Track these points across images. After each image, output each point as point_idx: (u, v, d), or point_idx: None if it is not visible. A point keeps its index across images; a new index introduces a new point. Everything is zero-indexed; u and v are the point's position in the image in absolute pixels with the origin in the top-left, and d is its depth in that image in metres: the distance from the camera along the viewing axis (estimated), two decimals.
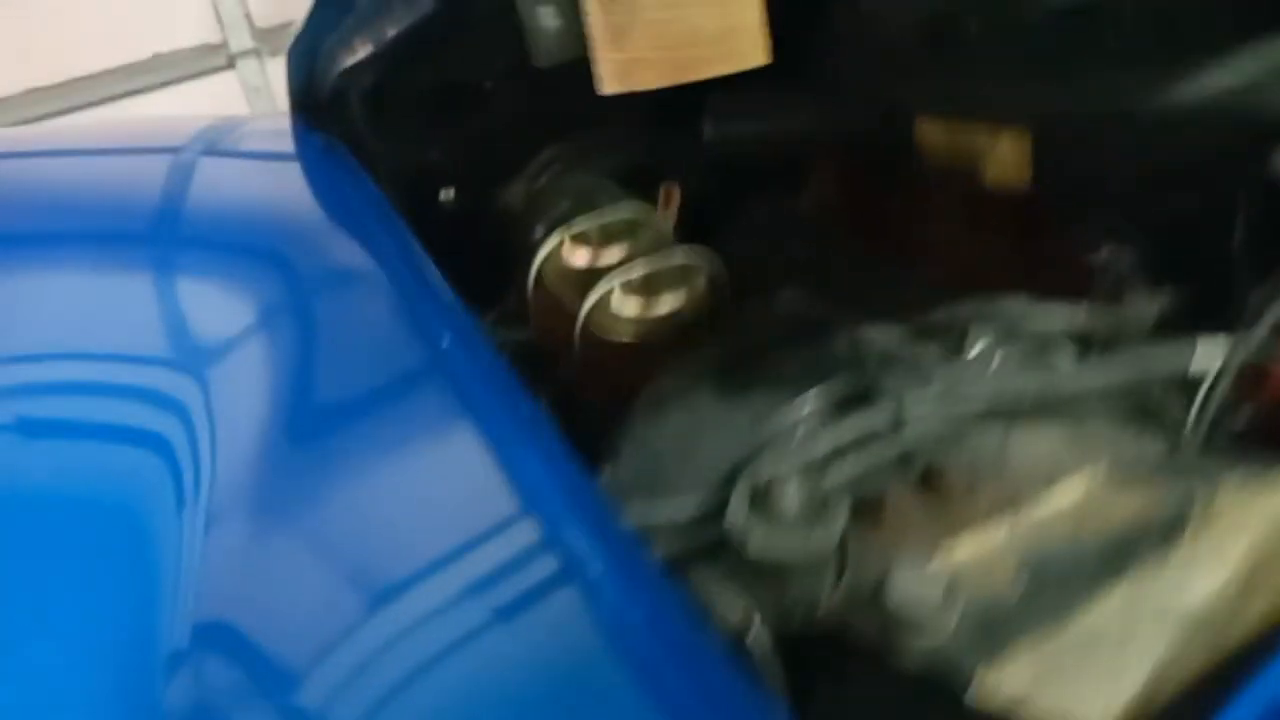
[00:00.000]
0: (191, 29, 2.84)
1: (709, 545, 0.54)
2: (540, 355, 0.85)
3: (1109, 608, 0.44)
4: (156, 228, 0.81)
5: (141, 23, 2.77)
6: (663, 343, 0.77)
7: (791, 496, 0.49)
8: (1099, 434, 0.60)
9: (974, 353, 0.63)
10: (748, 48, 0.45)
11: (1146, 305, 0.79)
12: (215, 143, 0.92)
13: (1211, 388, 0.66)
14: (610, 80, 0.45)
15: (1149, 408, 0.63)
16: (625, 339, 0.79)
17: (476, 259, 0.96)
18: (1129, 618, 0.43)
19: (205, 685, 0.43)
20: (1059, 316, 0.72)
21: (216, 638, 0.44)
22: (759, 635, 0.47)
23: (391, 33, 0.86)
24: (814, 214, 1.07)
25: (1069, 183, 0.89)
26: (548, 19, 0.56)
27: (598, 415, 0.74)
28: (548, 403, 0.82)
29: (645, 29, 0.42)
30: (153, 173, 0.87)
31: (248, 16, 2.87)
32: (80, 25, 2.68)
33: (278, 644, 0.46)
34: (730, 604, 0.49)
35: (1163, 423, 0.64)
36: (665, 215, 0.95)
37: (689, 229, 0.93)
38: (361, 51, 0.89)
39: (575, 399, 0.80)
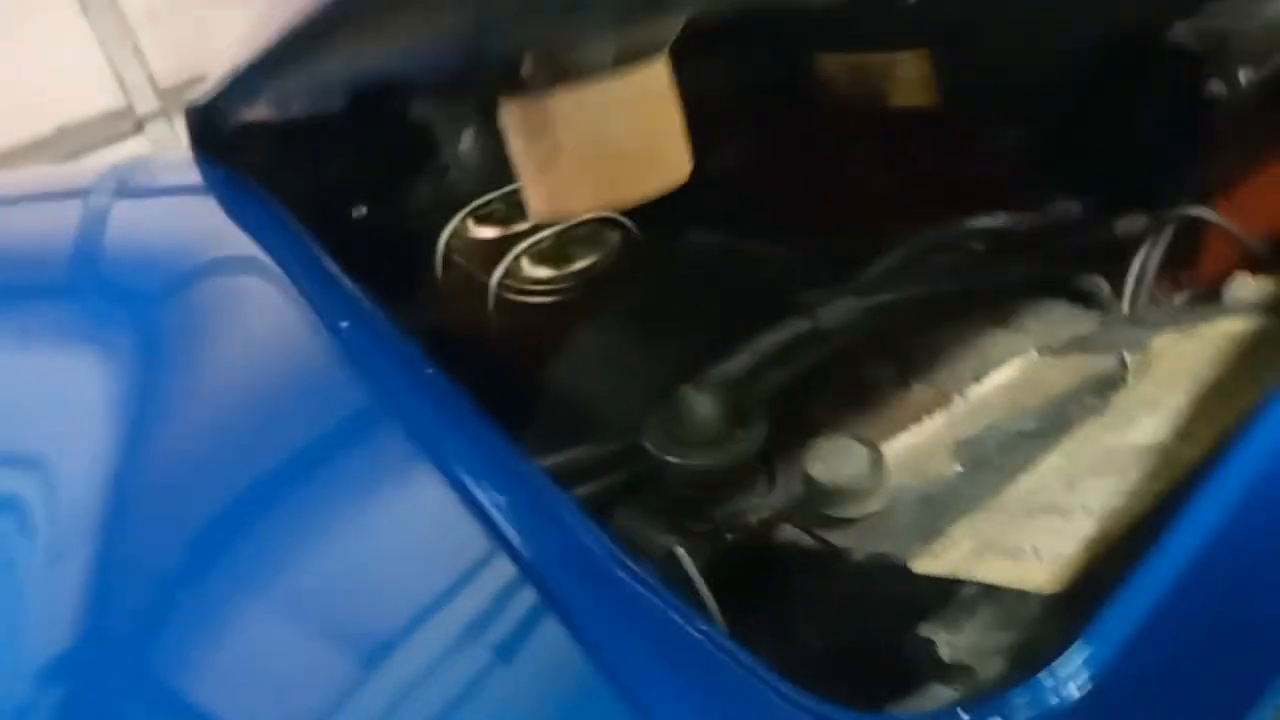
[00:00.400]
0: (95, 97, 2.78)
1: (634, 481, 0.50)
2: (455, 336, 0.82)
3: (1050, 467, 0.41)
4: (73, 270, 0.79)
5: (44, 96, 2.71)
6: (580, 300, 0.74)
7: (706, 409, 0.45)
8: (1028, 320, 0.58)
9: (888, 263, 0.61)
10: (673, 161, 0.44)
11: (1065, 203, 0.77)
12: (123, 182, 0.90)
13: (1138, 258, 0.65)
14: (539, 207, 0.44)
15: (1078, 289, 0.61)
16: (541, 300, 0.76)
17: (397, 266, 0.93)
18: (1071, 472, 0.40)
19: None
20: (980, 224, 0.70)
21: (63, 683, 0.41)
22: (684, 559, 0.43)
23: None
24: (728, 172, 1.05)
25: (976, 92, 0.88)
26: (469, 149, 0.55)
27: (521, 382, 0.70)
28: (466, 381, 0.79)
29: (569, 156, 0.41)
30: (65, 216, 0.86)
31: (150, 78, 2.82)
32: None
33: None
34: (651, 534, 0.46)
35: (1095, 301, 0.62)
36: None
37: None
38: (263, 103, 0.87)
39: (496, 372, 0.76)
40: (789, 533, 0.43)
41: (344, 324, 0.62)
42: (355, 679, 0.39)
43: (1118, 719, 0.27)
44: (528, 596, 0.37)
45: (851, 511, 0.40)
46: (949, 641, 0.32)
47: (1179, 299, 0.69)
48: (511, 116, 0.41)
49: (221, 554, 0.47)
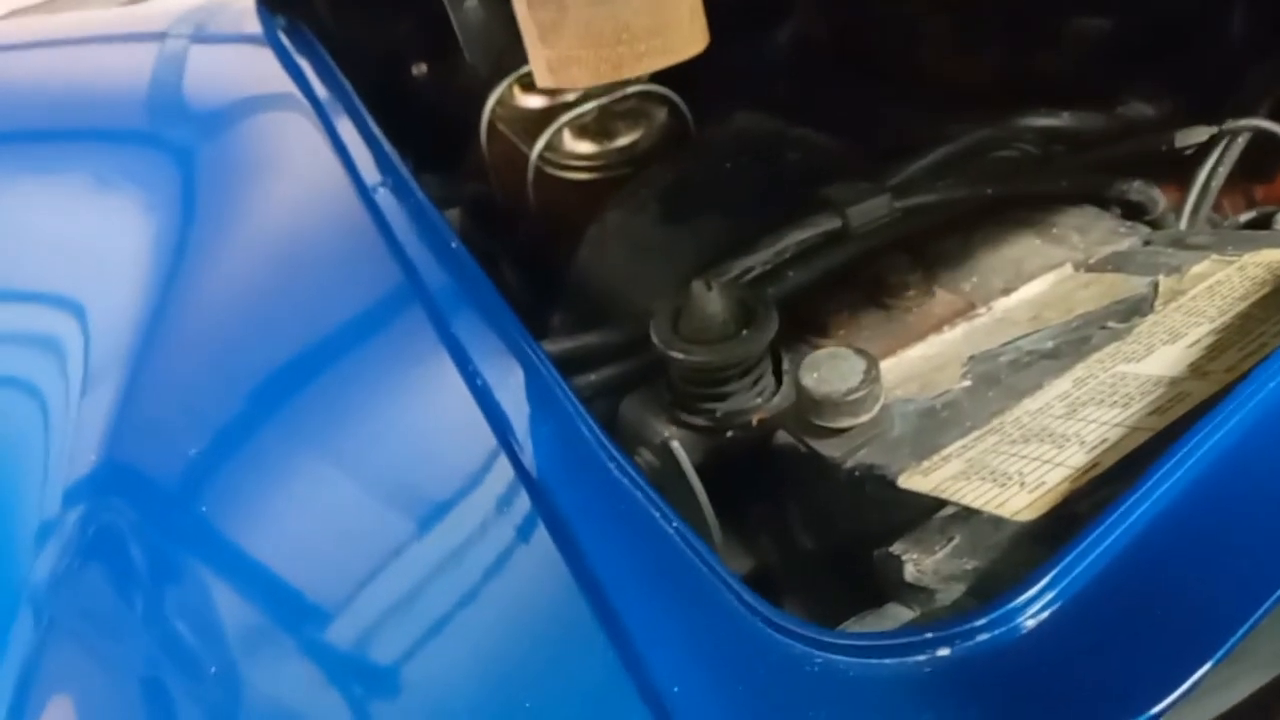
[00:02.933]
0: None
1: (645, 370, 0.50)
2: (498, 205, 0.82)
3: (1056, 391, 0.40)
4: (123, 114, 0.81)
5: None
6: (621, 179, 0.72)
7: (713, 303, 0.45)
8: (1071, 231, 0.55)
9: (931, 160, 0.58)
10: (681, 40, 0.42)
11: (1140, 105, 0.73)
12: (196, 26, 0.91)
13: (1202, 171, 0.61)
14: (543, 76, 0.42)
15: (1130, 201, 0.58)
16: (580, 176, 0.75)
17: (449, 129, 0.92)
18: (1076, 398, 0.39)
19: (74, 551, 0.42)
20: (1035, 122, 0.66)
21: (87, 500, 0.44)
22: (677, 451, 0.44)
23: None
24: (795, 49, 1.00)
25: None
26: (474, 13, 0.53)
27: (553, 260, 0.70)
28: (508, 250, 0.79)
29: (574, 26, 0.39)
30: (132, 59, 0.88)
31: None
32: None
33: (150, 502, 0.45)
34: (652, 424, 0.46)
35: (1148, 215, 0.59)
36: None
37: (665, 74, 0.88)
38: None
39: (529, 247, 0.76)
40: (784, 437, 0.42)
41: (378, 188, 0.62)
42: (352, 544, 0.41)
43: (1074, 655, 0.27)
44: (510, 481, 0.37)
45: (842, 422, 0.39)
46: (916, 561, 0.32)
47: (1241, 219, 0.66)
48: None
49: (233, 400, 0.49)
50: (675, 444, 0.43)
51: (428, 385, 0.46)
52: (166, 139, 0.75)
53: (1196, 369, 0.38)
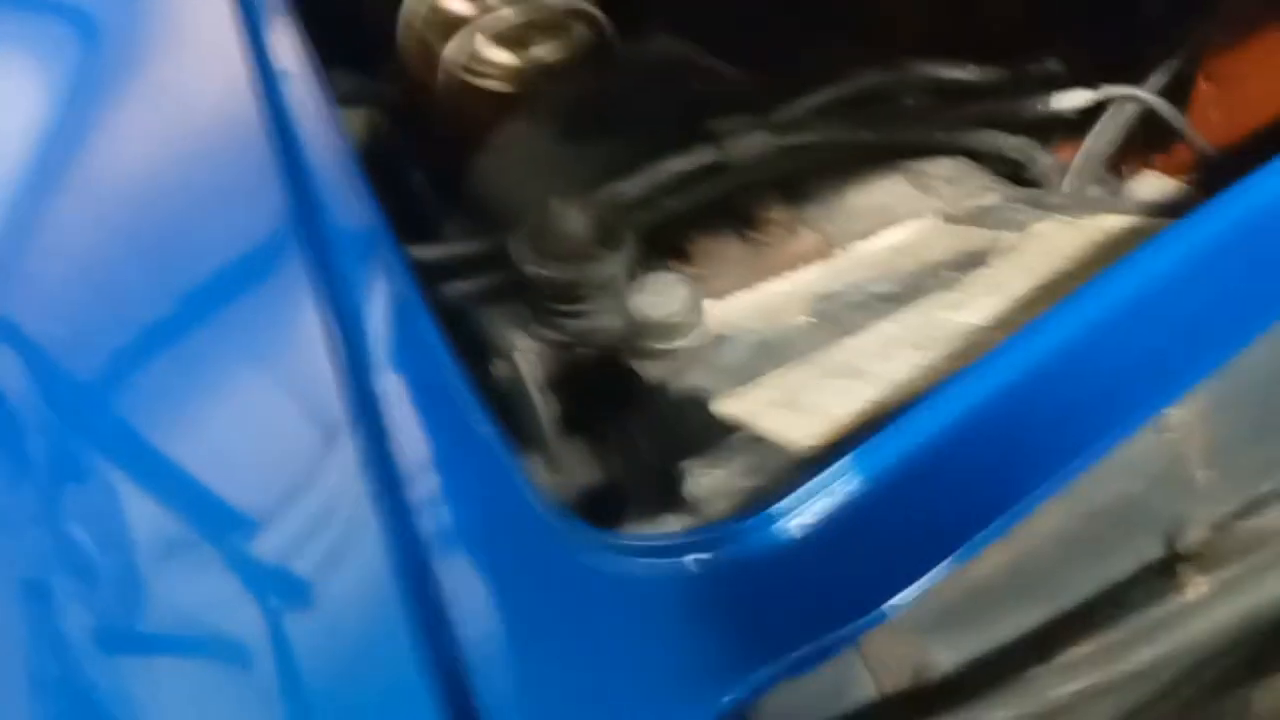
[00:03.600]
0: None
1: (509, 284, 0.52)
2: (416, 107, 0.82)
3: (879, 333, 0.42)
4: None
5: None
6: (529, 92, 0.72)
7: (573, 223, 0.46)
8: (943, 182, 0.57)
9: (817, 101, 0.59)
10: None
11: (1054, 66, 0.74)
12: None
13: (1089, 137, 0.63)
14: None
15: (1007, 158, 0.60)
16: (491, 85, 0.75)
17: (374, 27, 0.91)
18: (895, 340, 0.41)
19: None
20: (937, 71, 0.67)
21: None
22: (527, 366, 0.45)
23: None
24: None
25: None
26: None
27: (453, 169, 0.71)
28: (422, 155, 0.80)
29: None
30: None
31: None
32: None
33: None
34: (503, 337, 0.48)
35: (1027, 174, 0.61)
36: None
37: None
38: None
39: (444, 148, 0.76)
40: (628, 360, 0.44)
41: (281, 76, 0.62)
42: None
43: (818, 562, 0.29)
44: (342, 372, 0.39)
45: (664, 344, 0.41)
46: (698, 478, 0.35)
47: (1125, 185, 0.68)
48: None
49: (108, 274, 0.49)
50: (518, 354, 0.45)
51: (287, 281, 0.47)
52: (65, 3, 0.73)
53: (1004, 320, 0.40)
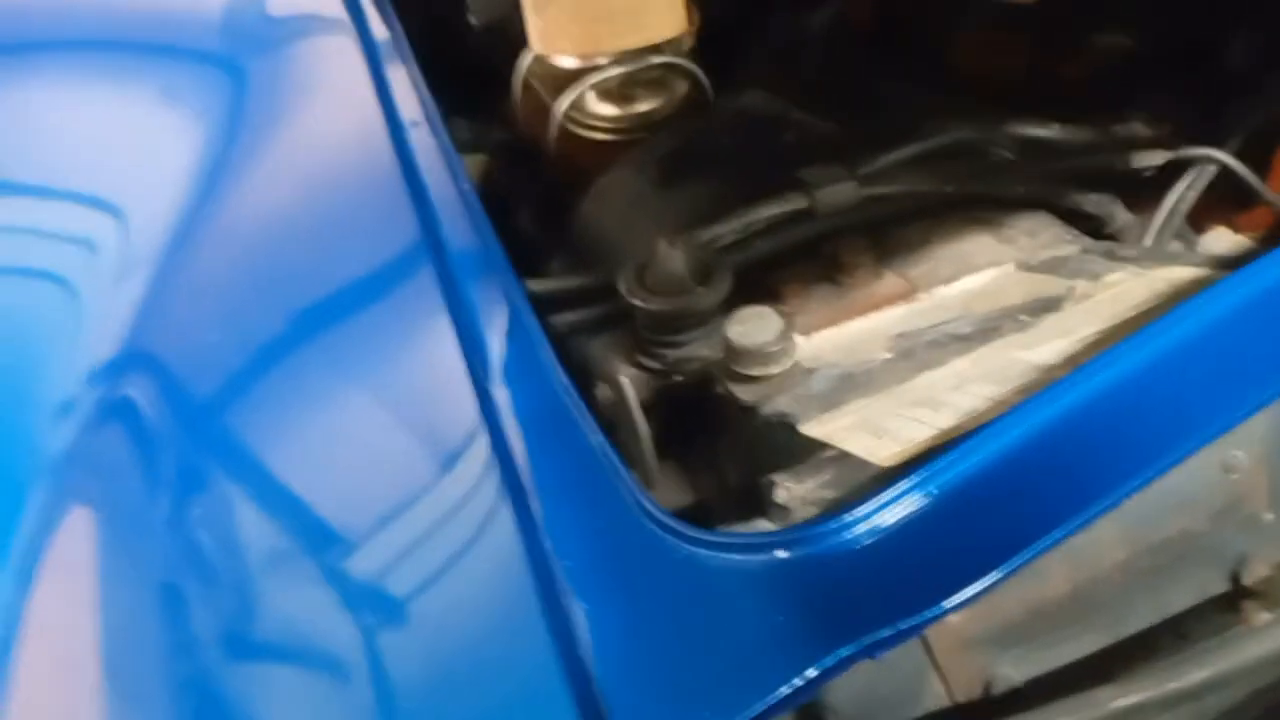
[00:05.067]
0: None
1: (613, 316, 0.57)
2: (523, 154, 0.88)
3: (955, 368, 0.46)
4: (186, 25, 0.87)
5: None
6: (634, 141, 0.78)
7: (675, 262, 0.51)
8: (1023, 234, 0.60)
9: (901, 155, 0.63)
10: (657, 24, 0.48)
11: (1139, 124, 0.77)
12: None
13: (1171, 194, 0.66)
14: (535, 43, 0.49)
15: (1085, 212, 0.63)
16: (598, 136, 0.80)
17: (491, 80, 0.98)
18: (968, 375, 0.45)
19: (94, 427, 0.48)
20: (1022, 129, 0.71)
21: (112, 383, 0.50)
22: (629, 391, 0.50)
23: None
24: (833, 31, 1.05)
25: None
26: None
27: (563, 211, 0.77)
28: (527, 196, 0.86)
29: (562, 2, 0.45)
30: None
31: None
32: None
33: (175, 388, 0.52)
34: (605, 366, 0.52)
35: (1106, 229, 0.64)
36: (683, 36, 0.95)
37: (710, 49, 0.93)
38: None
39: (553, 193, 0.82)
40: (717, 383, 0.49)
41: (410, 124, 0.69)
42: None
43: (887, 564, 0.33)
44: (468, 395, 0.44)
45: (757, 371, 0.46)
46: (788, 488, 0.39)
47: (1200, 241, 0.70)
48: None
49: (252, 307, 0.55)
50: (624, 380, 0.50)
51: (418, 309, 0.52)
52: (218, 55, 0.81)
53: (1071, 359, 0.43)
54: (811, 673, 0.30)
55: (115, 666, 0.39)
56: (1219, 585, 0.47)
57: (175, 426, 0.52)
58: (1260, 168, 0.73)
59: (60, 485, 0.48)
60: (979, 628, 0.44)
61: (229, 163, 0.68)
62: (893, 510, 0.33)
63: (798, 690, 0.30)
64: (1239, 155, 0.70)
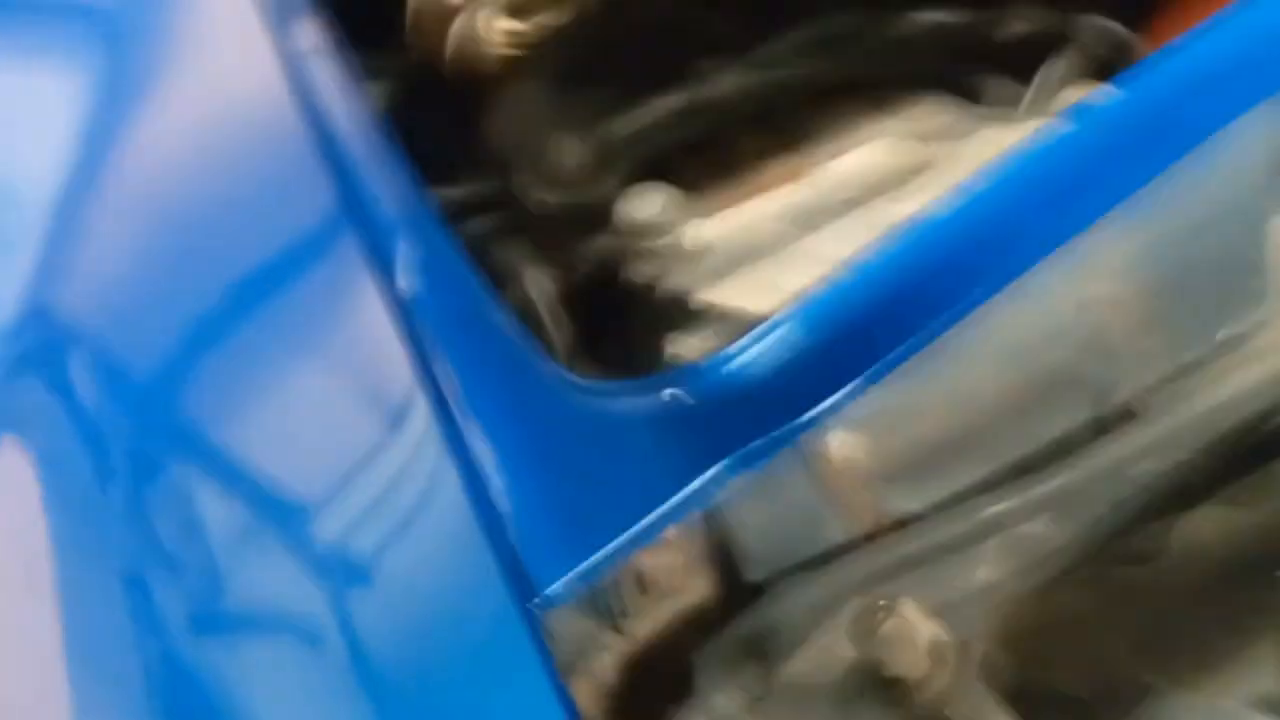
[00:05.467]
0: None
1: (520, 218, 0.59)
2: (429, 78, 0.89)
3: (834, 230, 0.49)
4: None
5: None
6: (536, 54, 0.79)
7: (572, 155, 0.53)
8: (906, 107, 0.63)
9: (796, 39, 0.66)
10: None
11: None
12: None
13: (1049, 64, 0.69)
14: None
15: (968, 86, 0.66)
16: (501, 53, 0.82)
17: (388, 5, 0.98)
18: (845, 233, 0.48)
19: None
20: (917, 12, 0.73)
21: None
22: (540, 289, 0.53)
23: None
24: None
25: None
26: None
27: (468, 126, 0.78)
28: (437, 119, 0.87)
29: None
30: None
31: None
32: None
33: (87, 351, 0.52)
34: (512, 264, 0.55)
35: (986, 96, 0.67)
36: None
37: None
38: None
39: (447, 114, 0.84)
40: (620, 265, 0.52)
41: (308, 55, 0.70)
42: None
43: (767, 394, 0.37)
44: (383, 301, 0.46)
45: (648, 243, 0.49)
46: (679, 344, 0.42)
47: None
48: None
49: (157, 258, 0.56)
50: (527, 279, 0.53)
51: (325, 231, 0.54)
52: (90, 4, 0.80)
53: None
54: (697, 481, 0.34)
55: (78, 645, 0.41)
56: (1088, 411, 0.52)
57: (99, 392, 0.53)
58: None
59: None
60: (868, 465, 0.48)
61: (115, 118, 0.68)
62: (757, 345, 0.37)
63: (690, 497, 0.34)
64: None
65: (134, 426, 0.49)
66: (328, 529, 0.42)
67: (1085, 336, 0.51)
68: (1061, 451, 0.50)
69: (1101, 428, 0.52)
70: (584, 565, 0.35)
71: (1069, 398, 0.52)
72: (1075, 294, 0.50)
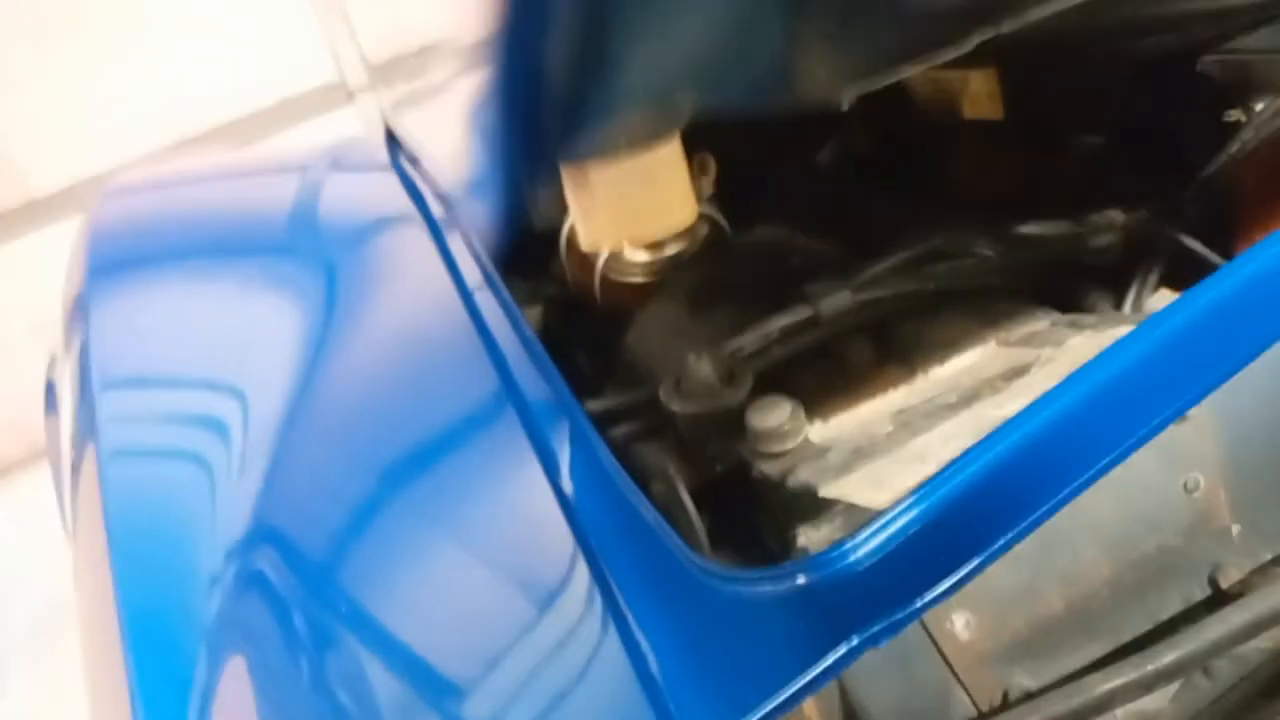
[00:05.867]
0: (312, 73, 3.14)
1: (659, 423, 0.67)
2: (577, 302, 1.01)
3: (941, 431, 0.55)
4: (283, 231, 1.02)
5: (268, 72, 3.08)
6: (665, 280, 0.90)
7: (705, 370, 0.62)
8: (1002, 315, 0.70)
9: (892, 262, 0.74)
10: (675, 218, 0.62)
11: (1109, 214, 0.87)
12: (333, 159, 1.14)
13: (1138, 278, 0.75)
14: (582, 241, 0.64)
15: (1058, 290, 0.73)
16: (635, 280, 0.93)
17: (537, 244, 1.13)
18: (951, 435, 0.54)
19: (234, 599, 0.58)
20: (1014, 230, 0.81)
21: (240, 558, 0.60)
22: (675, 485, 0.60)
23: None
24: (837, 162, 1.18)
25: (1039, 106, 0.98)
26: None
27: (612, 345, 0.88)
28: (580, 338, 0.98)
29: (601, 210, 0.59)
30: (285, 187, 1.10)
31: (361, 57, 3.15)
32: (216, 82, 3.01)
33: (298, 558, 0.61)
34: (657, 465, 0.63)
35: (1075, 301, 0.73)
36: (703, 182, 1.09)
37: (726, 193, 1.06)
38: None
39: (602, 332, 0.94)
40: (752, 465, 0.59)
41: (476, 289, 0.82)
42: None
43: (883, 577, 0.42)
44: (550, 504, 0.53)
45: (776, 448, 0.56)
46: (809, 535, 0.48)
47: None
48: (565, 176, 0.59)
49: (355, 478, 0.66)
50: (672, 473, 0.60)
51: (499, 442, 0.63)
52: (311, 251, 0.95)
53: None
54: (830, 657, 0.39)
55: None
56: (1201, 592, 0.55)
57: (303, 592, 0.61)
58: (1223, 238, 0.82)
59: (215, 646, 0.58)
60: (991, 645, 0.52)
61: (328, 343, 0.81)
62: (879, 535, 0.43)
63: (825, 671, 0.39)
64: (1202, 228, 0.80)
65: (337, 617, 0.57)
66: (497, 698, 0.48)
67: (1189, 522, 0.55)
68: (1174, 630, 0.54)
69: (1211, 607, 0.55)
70: None
71: (1178, 579, 0.55)
72: (1176, 480, 0.55)
